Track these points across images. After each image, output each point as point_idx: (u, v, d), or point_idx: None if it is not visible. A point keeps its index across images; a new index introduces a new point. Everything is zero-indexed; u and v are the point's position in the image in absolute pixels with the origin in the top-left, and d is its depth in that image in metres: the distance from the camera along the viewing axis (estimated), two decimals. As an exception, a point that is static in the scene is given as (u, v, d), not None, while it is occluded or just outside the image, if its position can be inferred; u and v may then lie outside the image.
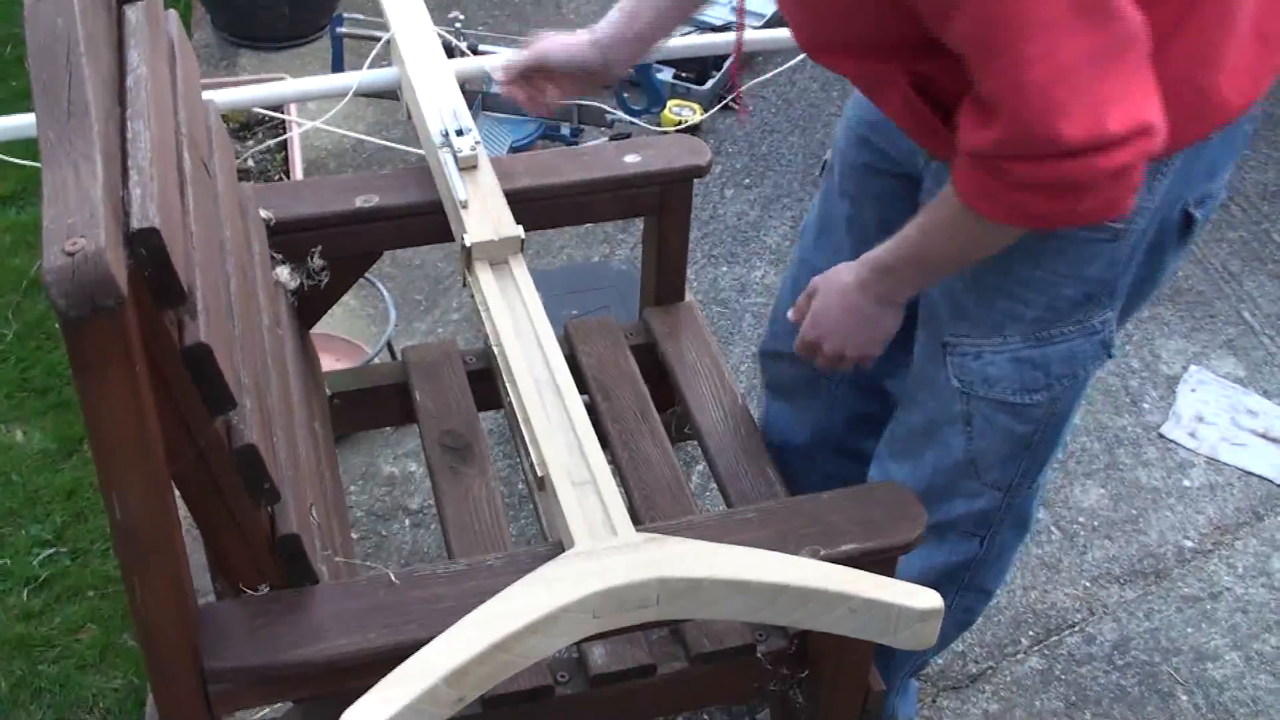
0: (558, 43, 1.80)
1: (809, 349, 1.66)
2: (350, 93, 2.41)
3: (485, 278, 1.73)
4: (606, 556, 1.42)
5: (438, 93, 1.96)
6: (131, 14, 1.39)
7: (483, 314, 1.70)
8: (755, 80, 3.20)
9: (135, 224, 1.13)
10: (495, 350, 1.66)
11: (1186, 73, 1.36)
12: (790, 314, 1.68)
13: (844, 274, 1.58)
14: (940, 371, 1.61)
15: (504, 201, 1.81)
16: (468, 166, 1.84)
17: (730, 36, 2.10)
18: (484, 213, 1.78)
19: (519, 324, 1.68)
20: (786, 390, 1.97)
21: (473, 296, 1.76)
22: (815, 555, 1.49)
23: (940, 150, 1.45)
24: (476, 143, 1.86)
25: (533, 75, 1.83)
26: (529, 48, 1.82)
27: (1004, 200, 1.34)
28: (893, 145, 1.63)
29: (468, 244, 1.74)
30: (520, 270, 1.75)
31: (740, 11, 1.85)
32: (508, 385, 1.63)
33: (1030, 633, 2.29)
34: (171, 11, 1.60)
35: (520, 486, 2.49)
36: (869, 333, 1.60)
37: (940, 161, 1.51)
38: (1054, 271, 1.49)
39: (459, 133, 1.86)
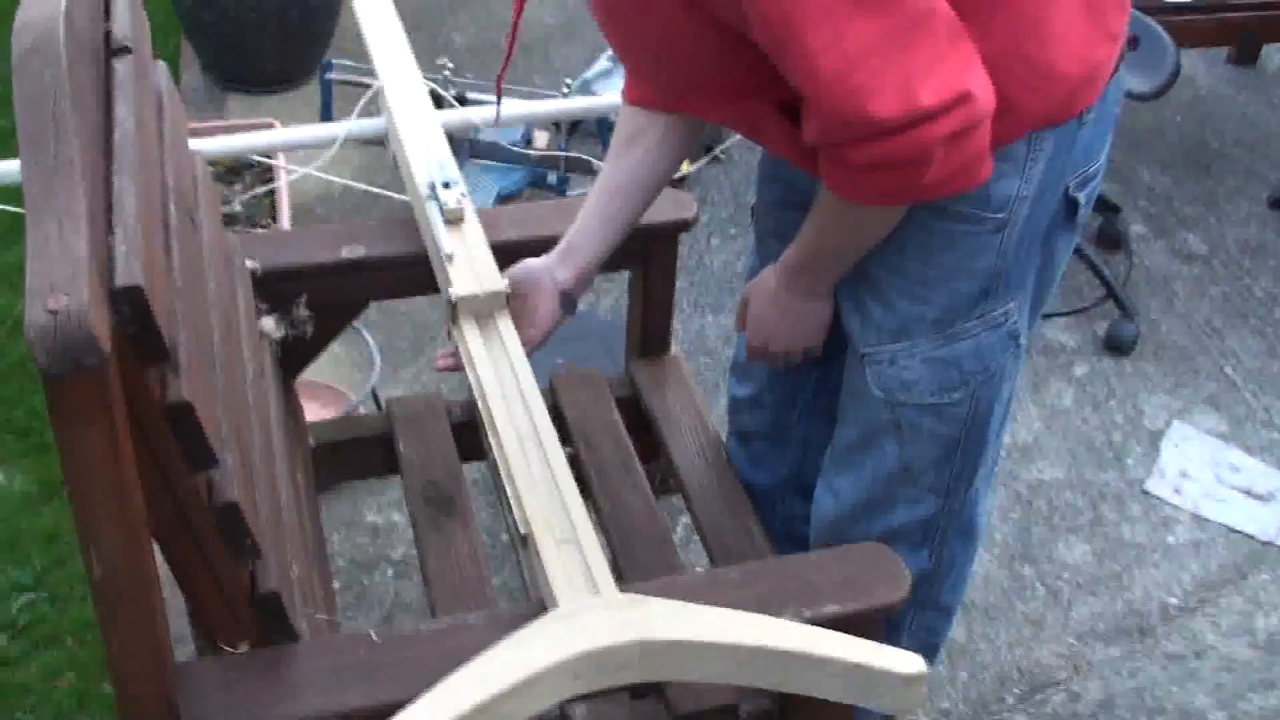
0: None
1: (758, 353, 1.74)
2: (338, 142, 2.41)
3: (470, 332, 1.73)
4: (588, 615, 1.41)
5: (425, 144, 1.96)
6: (120, 67, 1.39)
7: (467, 369, 1.69)
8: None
9: (119, 281, 1.12)
10: (480, 405, 1.66)
11: (1012, 47, 1.38)
12: (735, 323, 1.76)
13: (769, 280, 1.68)
14: (864, 383, 1.64)
15: (490, 255, 1.80)
16: (454, 219, 1.84)
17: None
18: (469, 266, 1.78)
19: (503, 379, 1.67)
20: (755, 436, 1.99)
21: (457, 349, 1.75)
22: (798, 617, 1.48)
23: (815, 168, 1.49)
24: (463, 195, 1.86)
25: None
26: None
27: (856, 182, 1.39)
28: (794, 175, 1.66)
29: (452, 298, 1.73)
30: (505, 324, 1.74)
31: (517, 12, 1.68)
32: (491, 440, 1.62)
33: (1015, 690, 2.28)
34: (160, 63, 1.60)
35: (504, 537, 2.48)
36: (806, 327, 1.69)
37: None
38: (946, 268, 1.53)
39: (445, 185, 1.86)
